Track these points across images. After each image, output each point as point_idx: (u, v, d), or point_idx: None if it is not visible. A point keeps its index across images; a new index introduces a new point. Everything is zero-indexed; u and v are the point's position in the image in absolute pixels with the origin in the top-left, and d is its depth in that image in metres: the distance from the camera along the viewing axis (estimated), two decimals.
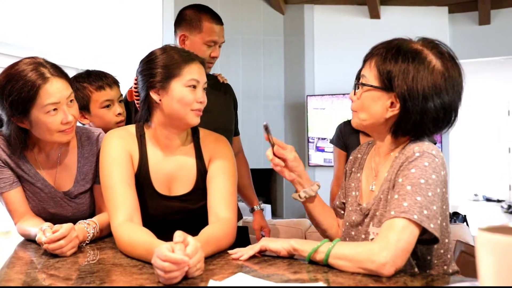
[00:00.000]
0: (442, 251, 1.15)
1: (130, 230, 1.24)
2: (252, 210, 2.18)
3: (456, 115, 1.16)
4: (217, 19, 2.00)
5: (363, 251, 1.01)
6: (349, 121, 2.32)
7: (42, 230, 1.24)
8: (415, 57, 1.11)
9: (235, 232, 1.34)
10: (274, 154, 1.31)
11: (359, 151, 1.39)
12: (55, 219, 1.45)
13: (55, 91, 1.34)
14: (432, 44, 1.15)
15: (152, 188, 1.41)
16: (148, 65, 1.39)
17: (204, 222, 1.35)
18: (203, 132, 1.51)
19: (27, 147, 1.44)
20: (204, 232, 1.24)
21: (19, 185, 1.46)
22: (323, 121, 4.63)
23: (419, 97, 1.10)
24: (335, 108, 4.59)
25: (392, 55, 1.13)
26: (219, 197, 1.38)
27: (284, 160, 1.32)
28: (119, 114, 1.81)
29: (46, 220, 1.42)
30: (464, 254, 1.53)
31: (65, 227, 1.22)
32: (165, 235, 1.19)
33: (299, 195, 1.35)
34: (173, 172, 1.43)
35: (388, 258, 0.97)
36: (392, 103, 1.13)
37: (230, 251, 1.22)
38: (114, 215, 1.29)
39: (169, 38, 4.23)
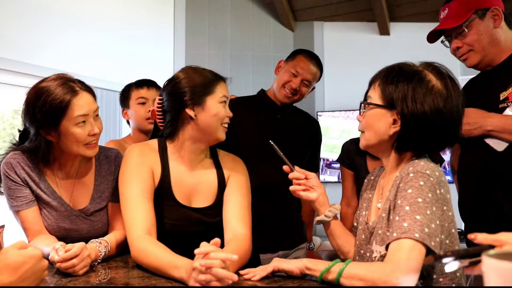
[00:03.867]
0: None
1: (151, 242, 1.28)
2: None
3: (457, 133, 1.20)
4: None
5: (376, 271, 1.03)
6: (354, 140, 2.32)
7: (55, 249, 1.26)
8: (414, 76, 1.17)
9: (251, 248, 1.39)
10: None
11: (373, 173, 1.42)
12: (70, 236, 1.48)
13: (84, 103, 1.43)
14: (432, 66, 1.21)
15: (173, 199, 1.46)
16: (179, 85, 1.48)
17: (221, 237, 1.37)
18: (221, 152, 1.60)
19: (48, 161, 1.49)
20: (228, 251, 1.27)
21: (35, 204, 1.49)
22: (335, 136, 4.65)
23: (418, 115, 1.14)
24: (346, 124, 4.61)
25: (394, 76, 1.20)
26: (236, 213, 1.45)
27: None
28: (150, 111, 2.12)
29: (60, 238, 1.45)
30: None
31: (77, 246, 1.25)
32: (182, 247, 1.25)
33: (325, 215, 1.37)
34: (194, 185, 1.50)
35: (401, 278, 0.99)
36: (394, 120, 1.19)
37: (241, 272, 1.23)
38: (132, 228, 1.33)
39: (180, 62, 4.32)
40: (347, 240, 1.39)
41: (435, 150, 1.23)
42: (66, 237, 1.45)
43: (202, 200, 1.49)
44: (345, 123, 4.66)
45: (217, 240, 1.12)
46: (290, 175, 1.40)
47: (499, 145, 1.50)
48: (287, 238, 2.07)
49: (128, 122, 2.30)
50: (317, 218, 1.39)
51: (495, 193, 1.50)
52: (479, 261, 0.86)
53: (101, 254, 1.37)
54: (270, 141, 1.43)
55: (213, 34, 4.69)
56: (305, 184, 1.39)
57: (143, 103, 2.19)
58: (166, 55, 4.27)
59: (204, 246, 1.10)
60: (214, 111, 1.45)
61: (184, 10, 4.47)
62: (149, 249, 1.27)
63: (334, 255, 3.29)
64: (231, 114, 1.49)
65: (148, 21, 4.08)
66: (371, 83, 1.26)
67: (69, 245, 1.25)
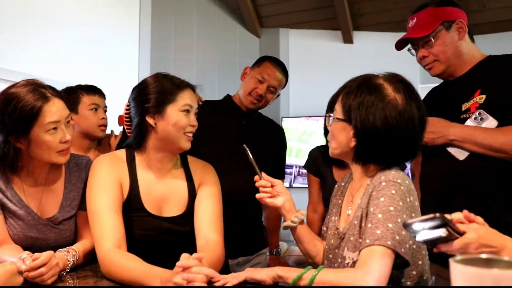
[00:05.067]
0: (415, 272, 1.20)
1: (121, 256, 1.26)
2: (270, 253, 2.27)
3: (413, 148, 1.23)
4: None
5: (347, 277, 1.06)
6: (320, 147, 2.36)
7: (22, 259, 1.22)
8: (372, 91, 1.20)
9: (224, 255, 1.40)
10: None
11: (343, 180, 1.45)
12: (37, 245, 1.44)
13: (56, 110, 1.39)
14: (394, 79, 1.23)
15: (143, 209, 1.43)
16: (143, 91, 1.46)
17: (192, 245, 1.39)
18: (190, 158, 1.58)
19: (16, 169, 1.44)
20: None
21: (0, 213, 1.44)
22: (293, 138, 4.70)
23: (371, 129, 1.17)
24: (310, 130, 4.67)
25: (353, 90, 1.22)
26: (207, 221, 1.45)
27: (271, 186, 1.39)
28: (103, 118, 2.16)
29: (27, 247, 1.41)
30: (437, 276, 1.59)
31: (45, 254, 1.21)
32: (154, 257, 1.25)
33: (291, 221, 1.38)
34: (164, 194, 1.48)
35: (372, 284, 1.03)
36: (354, 134, 1.21)
37: (213, 279, 1.23)
38: (101, 242, 1.30)
39: (145, 66, 4.27)
40: (314, 244, 1.41)
41: (394, 163, 1.24)
42: (32, 246, 1.41)
43: (173, 209, 1.48)
44: (306, 124, 4.71)
45: (200, 255, 1.13)
46: (257, 183, 1.41)
47: (460, 154, 1.57)
48: (247, 244, 2.08)
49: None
50: (284, 224, 1.41)
51: (456, 200, 1.57)
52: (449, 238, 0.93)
53: (69, 263, 1.34)
54: (244, 145, 1.43)
55: (179, 39, 4.66)
56: (271, 192, 1.40)
57: (95, 109, 2.16)
58: (131, 59, 4.22)
59: (185, 260, 1.10)
60: (174, 120, 1.42)
61: (149, 14, 4.43)
62: (120, 262, 1.25)
63: (301, 261, 3.34)
64: (195, 123, 1.46)
65: (113, 24, 4.02)
66: (338, 94, 1.29)
67: (37, 254, 1.22)
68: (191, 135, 1.47)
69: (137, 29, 4.31)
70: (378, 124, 1.16)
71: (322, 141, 3.78)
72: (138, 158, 1.49)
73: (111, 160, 1.46)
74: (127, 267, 1.23)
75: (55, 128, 1.39)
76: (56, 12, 3.41)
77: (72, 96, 2.15)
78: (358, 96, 1.20)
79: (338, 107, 1.26)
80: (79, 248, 1.41)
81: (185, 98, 1.44)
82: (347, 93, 1.23)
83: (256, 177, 1.41)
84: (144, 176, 1.47)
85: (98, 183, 1.40)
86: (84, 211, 1.48)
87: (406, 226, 0.95)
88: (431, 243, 0.98)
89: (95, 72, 3.60)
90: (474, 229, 0.95)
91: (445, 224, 0.92)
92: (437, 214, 0.92)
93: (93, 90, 2.20)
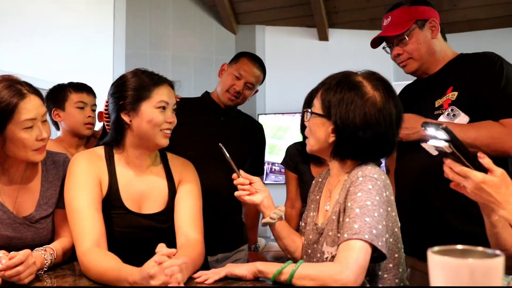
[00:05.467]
0: (391, 265, 1.23)
1: (99, 256, 1.25)
2: (249, 249, 2.28)
3: (390, 145, 1.26)
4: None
5: (326, 271, 1.08)
6: (297, 144, 2.38)
7: None
8: (352, 88, 1.22)
9: (204, 252, 1.41)
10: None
11: (320, 176, 1.47)
12: (12, 245, 1.40)
13: (32, 107, 1.36)
14: (373, 77, 1.26)
15: (122, 206, 1.42)
16: (119, 87, 1.44)
17: (172, 242, 1.39)
18: (170, 155, 1.57)
19: None
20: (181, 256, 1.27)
21: None
22: (268, 134, 4.72)
23: (351, 126, 1.20)
24: (285, 126, 4.70)
25: (333, 86, 1.24)
26: (187, 218, 1.44)
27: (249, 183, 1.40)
28: (89, 117, 2.13)
29: (2, 247, 1.37)
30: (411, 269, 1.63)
31: (22, 253, 1.19)
32: (133, 254, 1.24)
33: (270, 217, 1.39)
34: (144, 191, 1.47)
35: (350, 277, 1.05)
36: (332, 129, 1.23)
37: (194, 275, 1.24)
38: (80, 241, 1.29)
39: (120, 63, 4.22)
40: (293, 240, 1.43)
41: (370, 159, 1.27)
42: (8, 246, 1.37)
43: (153, 205, 1.47)
44: (281, 120, 4.72)
45: (172, 251, 1.12)
46: (235, 181, 1.41)
47: (434, 150, 1.61)
48: (227, 241, 2.09)
49: (56, 123, 2.20)
50: (263, 220, 1.42)
51: (430, 193, 1.61)
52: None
53: (47, 262, 1.32)
54: (220, 144, 1.44)
55: (154, 35, 4.62)
56: (249, 189, 1.40)
57: (82, 108, 2.14)
58: (105, 56, 4.17)
59: (160, 255, 1.09)
60: (149, 117, 1.40)
61: (124, 10, 4.37)
62: (97, 262, 1.24)
63: (279, 256, 3.37)
64: (172, 120, 1.44)
65: (87, 20, 3.96)
66: (317, 90, 1.30)
67: (13, 253, 1.20)
68: (168, 132, 1.45)
69: (112, 25, 4.25)
70: (358, 120, 1.19)
71: (297, 138, 3.82)
72: (117, 155, 1.48)
73: (89, 157, 1.44)
74: (104, 267, 1.21)
75: (31, 126, 1.36)
76: (28, 9, 3.33)
77: (60, 93, 2.14)
78: (338, 93, 1.22)
79: (317, 102, 1.28)
80: (57, 246, 1.39)
81: (160, 95, 1.42)
82: (327, 89, 1.25)
83: (234, 175, 1.42)
84: (123, 173, 1.46)
85: (76, 180, 1.38)
86: (61, 209, 1.47)
87: (425, 125, 0.97)
88: (439, 154, 1.01)
89: (69, 69, 3.54)
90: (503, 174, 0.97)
91: (450, 140, 0.94)
92: (447, 127, 0.94)
93: (81, 88, 2.17)
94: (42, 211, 1.48)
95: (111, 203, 1.42)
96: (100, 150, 1.49)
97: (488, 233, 1.13)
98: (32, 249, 1.30)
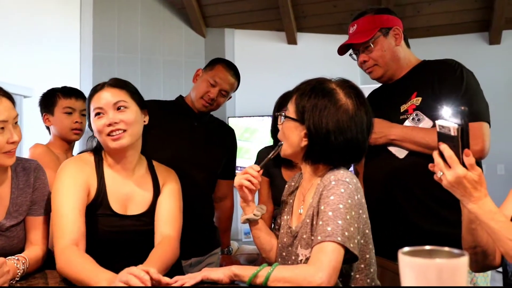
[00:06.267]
0: (363, 266, 1.27)
1: (75, 254, 1.27)
2: (222, 253, 2.29)
3: (361, 150, 1.30)
4: None
5: (300, 273, 1.11)
6: (269, 148, 2.41)
7: None
8: (326, 95, 1.26)
9: (178, 249, 1.45)
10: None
11: (293, 179, 1.50)
12: None
13: (3, 109, 1.35)
14: (346, 85, 1.30)
15: (108, 208, 1.45)
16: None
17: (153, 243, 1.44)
18: (155, 163, 1.62)
19: None
20: (154, 255, 1.36)
21: None
22: (243, 142, 4.75)
23: (323, 131, 1.24)
24: (254, 128, 4.73)
25: (307, 92, 1.28)
26: (164, 217, 1.49)
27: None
28: (77, 122, 2.11)
29: None
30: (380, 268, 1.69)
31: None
32: (117, 255, 1.31)
33: (254, 214, 1.41)
34: (130, 193, 1.50)
35: (323, 278, 1.08)
36: (305, 134, 1.27)
37: (169, 281, 1.25)
38: (60, 239, 1.31)
39: (87, 65, 4.15)
40: (269, 239, 1.46)
41: (342, 163, 1.31)
42: None
43: (137, 207, 1.50)
44: (248, 122, 4.75)
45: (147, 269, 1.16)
46: (257, 174, 1.39)
47: (400, 153, 1.68)
48: (200, 245, 2.10)
49: (48, 128, 2.21)
50: (245, 217, 1.43)
51: (397, 195, 1.68)
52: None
53: (19, 272, 1.30)
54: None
55: (123, 37, 4.57)
56: (255, 185, 1.41)
57: (70, 113, 2.13)
58: (72, 58, 4.09)
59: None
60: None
61: (91, 12, 4.31)
62: (72, 260, 1.26)
63: (252, 259, 3.38)
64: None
65: (52, 22, 3.88)
66: (291, 94, 1.34)
67: None
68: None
69: (78, 27, 4.18)
70: (330, 127, 1.23)
71: (265, 140, 3.84)
72: (105, 159, 1.52)
73: (78, 163, 1.47)
74: (78, 266, 1.24)
75: (2, 128, 1.35)
76: None
77: (50, 98, 2.14)
78: (312, 99, 1.26)
79: (291, 107, 1.31)
80: (29, 255, 1.38)
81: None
82: (301, 95, 1.29)
83: (257, 167, 1.40)
84: (110, 176, 1.49)
85: (64, 184, 1.40)
86: (33, 217, 1.45)
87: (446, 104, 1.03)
88: (442, 136, 1.06)
89: (35, 72, 3.47)
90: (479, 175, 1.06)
91: (461, 124, 1.00)
92: (464, 108, 1.00)
93: (69, 93, 2.15)
94: (13, 219, 1.45)
95: (99, 205, 1.44)
96: (89, 156, 1.52)
97: (464, 230, 1.20)
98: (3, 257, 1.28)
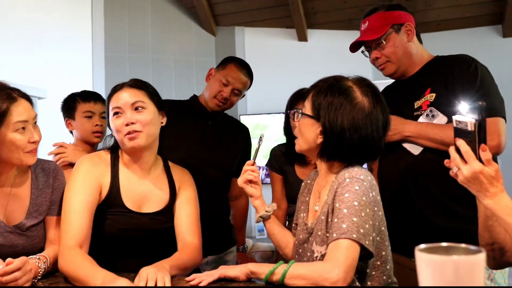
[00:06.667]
0: (379, 262, 1.27)
1: (78, 255, 1.31)
2: (237, 250, 2.31)
3: (376, 148, 1.31)
4: None
5: (317, 270, 1.13)
6: (282, 145, 2.42)
7: None
8: (342, 92, 1.27)
9: (201, 256, 1.49)
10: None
11: (309, 177, 1.51)
12: (3, 253, 1.40)
13: (23, 110, 1.39)
14: (363, 83, 1.31)
15: (122, 205, 1.47)
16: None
17: (170, 244, 1.49)
18: (170, 163, 1.64)
19: None
20: (173, 256, 1.39)
21: None
22: (253, 139, 4.75)
23: (338, 128, 1.25)
24: (264, 125, 4.74)
25: (324, 89, 1.29)
26: (186, 226, 1.52)
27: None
28: (97, 125, 2.14)
29: None
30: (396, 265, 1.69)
31: (19, 259, 1.22)
32: (131, 252, 1.35)
33: (265, 211, 1.46)
34: (145, 192, 1.52)
35: (340, 275, 1.09)
36: (321, 131, 1.28)
37: (187, 278, 1.27)
38: (64, 238, 1.35)
39: (100, 66, 4.19)
40: (284, 235, 1.49)
41: (357, 161, 1.31)
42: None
43: (152, 206, 1.52)
44: (259, 119, 4.75)
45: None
46: (250, 167, 1.47)
47: (415, 149, 1.68)
48: (216, 243, 2.11)
49: (71, 132, 2.27)
50: (259, 215, 1.47)
51: (412, 192, 1.68)
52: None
53: (41, 270, 1.33)
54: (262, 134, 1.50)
55: (133, 38, 4.60)
56: (257, 178, 1.47)
57: (90, 117, 2.17)
58: (84, 60, 4.13)
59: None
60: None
61: (102, 13, 4.34)
62: (74, 260, 1.30)
63: (267, 256, 3.39)
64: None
65: (65, 23, 3.92)
66: (308, 92, 1.35)
67: (9, 259, 1.21)
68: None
69: (90, 29, 4.22)
70: (346, 124, 1.24)
71: (276, 137, 3.84)
72: (121, 158, 1.54)
73: (93, 160, 1.50)
74: (77, 266, 1.28)
75: (23, 128, 1.39)
76: (5, 14, 3.29)
77: (71, 103, 2.19)
78: (328, 96, 1.27)
79: (307, 104, 1.33)
80: (49, 254, 1.41)
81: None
82: (318, 92, 1.30)
83: (251, 161, 1.48)
84: (125, 174, 1.52)
85: (76, 183, 1.43)
86: (52, 216, 1.49)
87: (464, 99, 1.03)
88: (458, 132, 1.06)
89: (48, 74, 3.51)
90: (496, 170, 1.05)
91: (478, 120, 1.00)
92: (481, 103, 1.00)
93: (88, 97, 2.19)
94: (33, 219, 1.49)
95: (112, 203, 1.47)
96: (105, 154, 1.55)
97: (481, 227, 1.19)
98: None
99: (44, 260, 1.37)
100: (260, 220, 1.49)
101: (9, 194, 1.47)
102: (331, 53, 4.60)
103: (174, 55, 4.80)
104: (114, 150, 1.56)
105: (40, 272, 1.33)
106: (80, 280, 1.24)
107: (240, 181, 1.48)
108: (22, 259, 1.22)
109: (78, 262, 1.29)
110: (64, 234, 1.36)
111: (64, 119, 2.24)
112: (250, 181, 1.48)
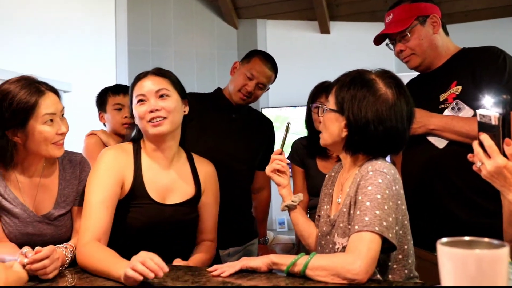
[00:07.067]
0: (401, 256, 1.27)
1: (96, 248, 1.33)
2: (258, 242, 2.34)
3: (401, 140, 1.30)
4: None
5: (339, 261, 1.13)
6: (303, 139, 2.42)
7: (23, 253, 1.26)
8: (365, 85, 1.27)
9: (215, 253, 1.58)
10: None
11: (333, 170, 1.52)
12: (32, 242, 1.45)
13: (51, 103, 1.44)
14: (386, 75, 1.30)
15: (147, 197, 1.49)
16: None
17: (192, 235, 1.57)
18: (194, 155, 1.66)
19: (12, 165, 1.47)
20: (195, 258, 1.49)
21: None
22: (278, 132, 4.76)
23: (362, 121, 1.24)
24: (285, 116, 4.72)
25: (347, 83, 1.30)
26: (210, 226, 1.60)
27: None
28: (126, 117, 2.22)
29: (23, 244, 1.42)
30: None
31: (47, 248, 1.25)
32: (155, 243, 1.36)
33: (291, 200, 1.47)
34: (169, 182, 1.54)
35: (362, 267, 1.10)
36: (345, 125, 1.28)
37: (208, 269, 1.29)
38: (83, 234, 1.37)
39: (123, 60, 4.24)
40: (308, 226, 1.51)
41: (381, 154, 1.31)
42: (28, 243, 1.42)
43: (176, 197, 1.54)
44: (281, 112, 4.73)
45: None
46: (278, 156, 1.48)
47: (440, 143, 1.66)
48: (238, 235, 2.14)
49: (104, 125, 2.36)
50: (284, 204, 1.49)
51: (435, 185, 1.66)
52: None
53: (67, 259, 1.37)
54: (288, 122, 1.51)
55: (156, 31, 4.64)
56: (284, 168, 1.48)
57: (120, 109, 2.25)
58: (108, 53, 4.19)
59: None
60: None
61: (125, 7, 4.39)
62: (94, 253, 1.31)
63: (288, 248, 3.41)
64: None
65: (89, 18, 3.98)
66: (332, 86, 1.35)
67: (38, 248, 1.25)
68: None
69: (113, 23, 4.27)
70: (370, 116, 1.24)
71: (297, 130, 3.83)
72: (144, 149, 1.56)
73: (115, 152, 1.52)
74: (98, 258, 1.29)
75: (51, 120, 1.44)
76: (29, 8, 3.36)
77: (102, 97, 2.30)
78: (352, 89, 1.27)
79: (331, 98, 1.33)
80: (75, 243, 1.44)
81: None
82: (341, 86, 1.30)
83: (279, 150, 1.49)
84: (149, 166, 1.54)
85: (98, 176, 1.45)
86: (80, 207, 1.52)
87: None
88: (482, 126, 1.04)
89: (73, 68, 3.58)
90: None
91: (502, 113, 0.99)
92: (506, 97, 0.99)
93: (118, 91, 2.29)
94: (61, 209, 1.53)
95: (136, 195, 1.49)
96: (128, 145, 1.57)
97: (505, 222, 1.18)
98: None
99: (71, 249, 1.41)
100: (285, 209, 1.50)
101: (38, 185, 1.52)
102: (354, 46, 4.54)
103: (196, 48, 4.82)
104: (136, 141, 1.58)
105: (67, 261, 1.37)
106: (102, 272, 1.26)
107: (268, 169, 1.49)
108: (50, 247, 1.26)
109: (99, 255, 1.30)
110: (83, 229, 1.38)
111: (98, 112, 2.34)
112: (278, 170, 1.49)
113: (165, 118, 1.48)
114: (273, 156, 1.49)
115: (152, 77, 1.52)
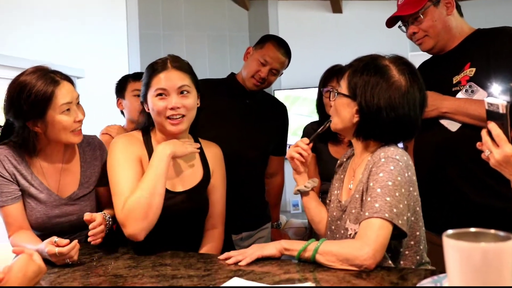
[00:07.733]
0: (412, 242, 1.27)
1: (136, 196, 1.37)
2: (271, 227, 2.35)
3: (413, 128, 1.29)
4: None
5: (347, 247, 1.15)
6: (315, 123, 2.40)
7: (55, 243, 1.31)
8: (378, 71, 1.25)
9: (223, 242, 1.61)
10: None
11: (345, 155, 1.52)
12: (58, 223, 1.54)
13: (67, 92, 1.49)
14: (399, 61, 1.28)
15: None
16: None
17: (202, 222, 1.59)
18: (202, 140, 1.66)
19: (35, 153, 1.53)
20: (205, 250, 1.49)
21: (20, 200, 1.53)
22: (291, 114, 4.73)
23: (374, 107, 1.23)
24: (295, 96, 4.69)
25: (360, 68, 1.28)
26: (218, 208, 1.61)
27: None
28: None
29: (48, 227, 1.52)
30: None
31: (98, 214, 1.41)
32: (165, 230, 1.40)
33: (304, 186, 1.48)
34: (178, 170, 1.56)
35: (370, 253, 1.11)
36: (357, 110, 1.27)
37: (220, 257, 1.31)
38: (119, 199, 1.40)
39: (134, 44, 4.24)
40: (320, 211, 1.51)
41: (393, 140, 1.31)
42: (56, 226, 1.52)
43: (186, 184, 1.56)
44: (294, 94, 4.69)
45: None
46: (306, 147, 1.48)
47: (453, 126, 1.64)
48: (250, 219, 2.15)
49: (122, 112, 2.34)
50: (297, 188, 1.50)
51: (448, 169, 1.65)
52: None
53: (108, 222, 1.46)
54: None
55: (167, 15, 4.62)
56: (306, 158, 1.48)
57: (138, 95, 2.21)
58: (119, 38, 4.19)
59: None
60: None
61: None
62: (138, 200, 1.36)
63: (300, 232, 3.43)
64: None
65: (99, 2, 3.97)
66: (344, 71, 1.34)
67: (59, 240, 1.31)
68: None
69: (124, 7, 4.26)
70: (382, 103, 1.23)
71: (308, 111, 3.79)
72: (153, 137, 1.57)
73: (129, 140, 1.54)
74: (149, 194, 1.37)
75: (68, 109, 1.49)
76: None
77: (122, 83, 2.29)
78: (365, 75, 1.26)
79: (343, 83, 1.32)
80: (110, 212, 1.51)
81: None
82: (354, 71, 1.29)
83: (306, 140, 1.49)
84: None
85: (118, 160, 1.47)
86: (102, 187, 1.61)
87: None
88: (490, 114, 1.04)
89: (85, 53, 3.59)
90: None
91: (510, 102, 0.98)
92: None
93: (138, 77, 2.24)
94: (84, 189, 1.62)
95: None
96: (138, 133, 1.58)
97: None
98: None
99: (109, 216, 1.48)
100: (297, 193, 1.51)
101: (61, 170, 1.59)
102: (367, 25, 4.46)
103: (208, 31, 4.80)
104: (146, 129, 1.58)
105: (108, 224, 1.45)
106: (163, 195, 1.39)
107: (288, 154, 1.49)
108: (99, 214, 1.39)
109: (139, 199, 1.36)
110: (116, 199, 1.41)
111: (117, 99, 2.32)
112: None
113: (184, 116, 1.48)
114: (299, 143, 1.48)
115: (174, 71, 1.49)
